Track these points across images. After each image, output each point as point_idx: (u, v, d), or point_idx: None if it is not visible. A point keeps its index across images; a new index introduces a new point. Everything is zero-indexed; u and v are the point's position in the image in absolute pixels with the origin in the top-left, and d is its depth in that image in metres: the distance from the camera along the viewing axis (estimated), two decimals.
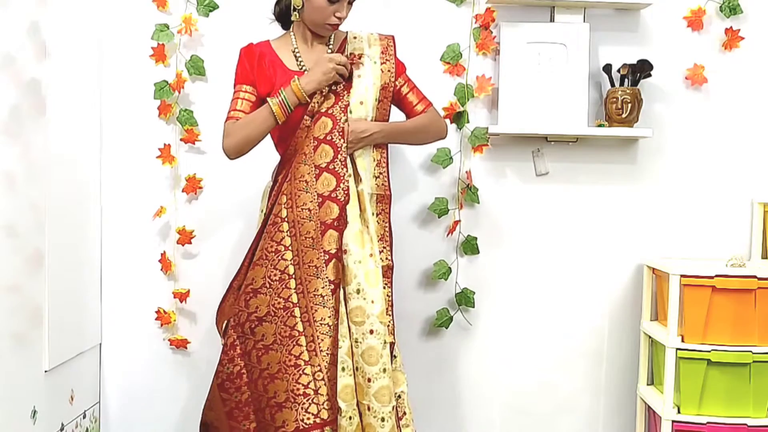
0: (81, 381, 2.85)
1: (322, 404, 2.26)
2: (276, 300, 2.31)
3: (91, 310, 2.93)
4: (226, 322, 2.43)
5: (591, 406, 3.07)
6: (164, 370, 3.02)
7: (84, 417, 2.87)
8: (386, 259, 2.44)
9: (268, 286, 2.32)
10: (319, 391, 2.27)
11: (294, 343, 2.29)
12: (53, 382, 2.58)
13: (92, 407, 2.96)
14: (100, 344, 3.01)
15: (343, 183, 2.37)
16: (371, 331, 2.34)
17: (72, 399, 2.76)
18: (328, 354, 2.28)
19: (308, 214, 2.34)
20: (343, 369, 2.31)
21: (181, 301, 2.97)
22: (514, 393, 3.06)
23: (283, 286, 2.32)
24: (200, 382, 2.99)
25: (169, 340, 2.99)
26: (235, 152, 2.40)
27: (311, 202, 2.35)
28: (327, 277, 2.32)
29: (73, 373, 2.76)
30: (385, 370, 2.33)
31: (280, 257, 2.33)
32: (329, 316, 2.30)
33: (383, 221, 2.46)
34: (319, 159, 2.37)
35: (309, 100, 2.37)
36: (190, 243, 2.96)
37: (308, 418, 2.26)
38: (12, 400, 2.32)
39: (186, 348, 3.00)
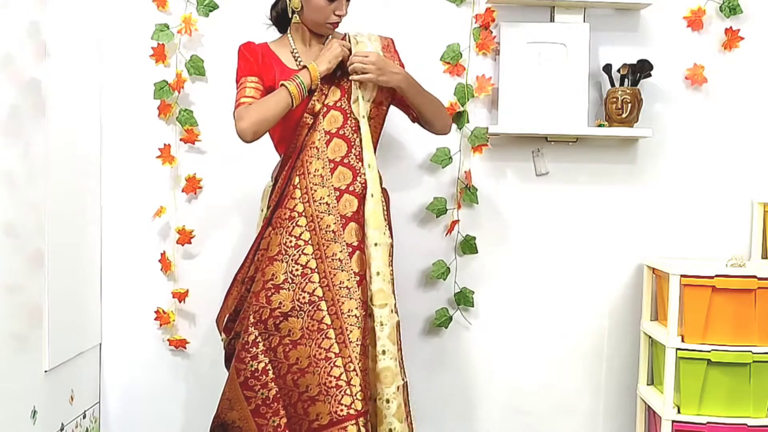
0: (81, 381, 2.85)
1: (355, 395, 2.27)
2: (300, 295, 2.31)
3: (91, 310, 2.93)
4: (228, 315, 2.43)
5: (591, 406, 3.07)
6: (164, 370, 3.02)
7: (84, 417, 2.87)
8: (389, 236, 2.45)
9: (290, 281, 2.32)
10: (351, 382, 2.27)
11: (323, 336, 2.30)
12: (53, 382, 2.58)
13: (92, 407, 2.96)
14: (100, 344, 3.01)
15: (360, 177, 2.37)
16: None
17: (72, 399, 2.76)
18: (358, 345, 2.29)
19: (326, 208, 2.35)
20: (384, 352, 2.33)
21: (180, 301, 2.97)
22: (513, 392, 3.06)
23: (307, 280, 2.32)
24: (201, 382, 2.99)
25: (168, 340, 2.99)
26: (251, 133, 2.33)
27: (328, 196, 2.35)
28: (352, 269, 2.33)
29: (73, 373, 2.76)
30: (385, 351, 2.34)
31: (300, 252, 2.33)
32: (357, 308, 2.31)
33: (382, 200, 2.46)
34: (332, 153, 2.37)
35: (319, 84, 2.38)
36: (190, 243, 2.96)
37: (342, 410, 2.26)
38: (12, 400, 2.32)
39: (185, 348, 3.00)
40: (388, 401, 2.33)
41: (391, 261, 2.45)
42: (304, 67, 2.38)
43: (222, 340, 2.49)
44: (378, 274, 2.37)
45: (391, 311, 2.39)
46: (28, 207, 2.39)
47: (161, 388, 3.02)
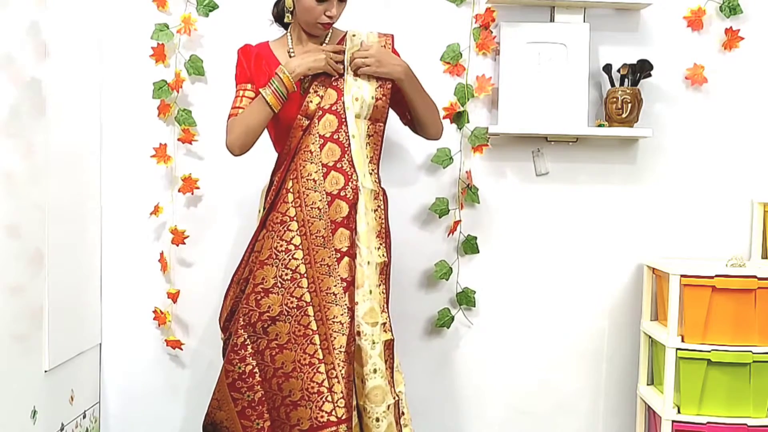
0: (81, 381, 2.84)
1: (336, 402, 2.26)
2: (289, 299, 2.31)
3: (91, 310, 2.93)
4: (226, 315, 2.43)
5: (591, 406, 3.07)
6: (164, 370, 3.02)
7: (84, 417, 2.87)
8: (383, 255, 2.44)
9: (280, 285, 2.31)
10: (333, 389, 2.27)
11: (308, 341, 2.29)
12: (53, 382, 2.58)
13: (92, 407, 2.96)
14: (100, 344, 3.01)
15: (352, 182, 2.36)
16: (357, 333, 2.34)
17: (72, 399, 2.76)
18: (341, 351, 2.28)
19: (318, 212, 2.34)
20: (375, 371, 2.33)
21: (174, 302, 2.97)
22: (514, 393, 3.06)
23: (296, 285, 2.31)
24: (200, 382, 2.99)
25: (165, 340, 2.99)
26: (238, 147, 2.39)
27: (320, 200, 2.34)
28: (339, 275, 2.32)
29: (73, 373, 2.76)
30: (376, 370, 2.33)
31: (290, 256, 2.33)
32: (342, 314, 2.30)
33: (380, 217, 2.45)
34: (326, 158, 2.36)
35: (296, 89, 2.36)
36: (184, 243, 2.95)
37: (322, 416, 2.26)
38: (12, 400, 2.32)
39: (182, 348, 3.00)
40: (377, 419, 2.33)
41: (384, 279, 2.43)
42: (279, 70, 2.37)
43: (221, 338, 2.49)
44: (371, 292, 2.37)
45: (382, 330, 2.38)
46: (28, 207, 2.39)
47: (161, 388, 3.02)
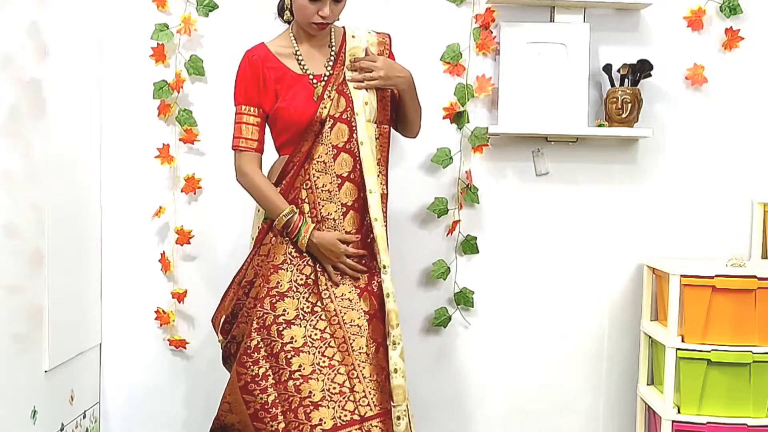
0: (81, 381, 2.85)
1: (359, 401, 2.27)
2: (304, 304, 2.32)
3: (91, 310, 2.93)
4: (225, 317, 2.43)
5: (591, 406, 3.07)
6: (164, 370, 3.02)
7: (84, 417, 2.87)
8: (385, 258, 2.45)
9: (294, 289, 2.33)
10: (354, 389, 2.28)
11: (326, 345, 2.30)
12: (53, 382, 2.58)
13: (92, 407, 2.96)
14: (100, 344, 3.01)
15: (364, 191, 2.37)
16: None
17: (72, 399, 2.76)
18: (360, 353, 2.30)
19: (333, 223, 2.36)
20: (395, 371, 2.34)
21: (180, 302, 2.97)
22: (513, 393, 3.06)
23: (310, 291, 2.33)
24: (200, 382, 3.00)
25: (168, 340, 2.99)
26: (241, 184, 2.44)
27: (336, 211, 2.36)
28: (353, 282, 2.36)
29: (73, 373, 2.76)
30: (396, 370, 2.34)
31: (305, 263, 2.35)
32: (359, 318, 2.32)
33: (384, 221, 2.46)
34: (339, 168, 2.36)
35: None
36: (189, 243, 2.96)
37: (345, 416, 2.26)
38: (12, 400, 2.32)
39: (185, 348, 3.00)
40: (398, 418, 2.33)
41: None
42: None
43: (219, 341, 2.49)
44: (388, 296, 2.38)
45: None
46: (28, 207, 2.39)
47: (161, 388, 3.02)
